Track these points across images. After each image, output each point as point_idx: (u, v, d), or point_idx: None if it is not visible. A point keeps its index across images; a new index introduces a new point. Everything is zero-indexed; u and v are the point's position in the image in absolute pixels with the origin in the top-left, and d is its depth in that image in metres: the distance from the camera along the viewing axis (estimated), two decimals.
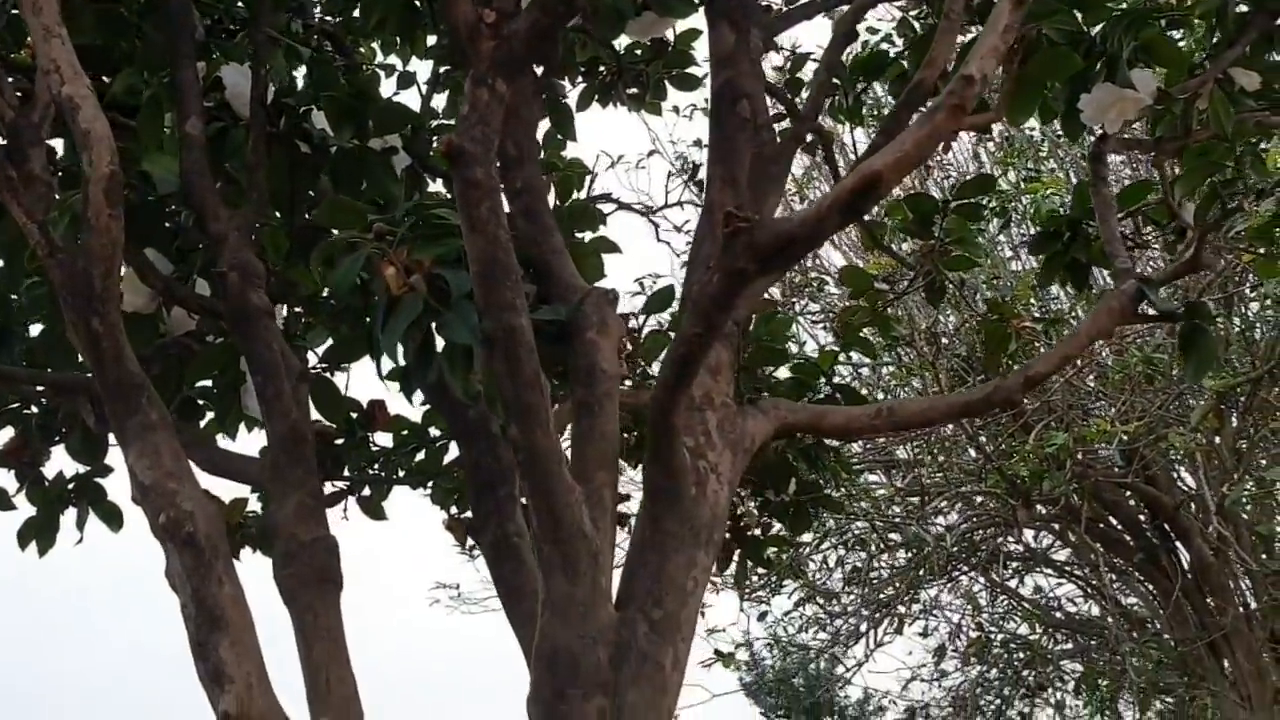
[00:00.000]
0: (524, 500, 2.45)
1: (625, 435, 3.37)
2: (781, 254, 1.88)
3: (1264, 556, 6.42)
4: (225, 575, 1.92)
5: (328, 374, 3.10)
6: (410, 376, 2.10)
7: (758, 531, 4.16)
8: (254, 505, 3.47)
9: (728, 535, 4.07)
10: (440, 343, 2.10)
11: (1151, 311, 2.59)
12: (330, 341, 3.14)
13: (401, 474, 3.75)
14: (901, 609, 7.10)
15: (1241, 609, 6.38)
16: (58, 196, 2.18)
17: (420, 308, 1.97)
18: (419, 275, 1.99)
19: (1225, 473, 6.02)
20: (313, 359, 3.24)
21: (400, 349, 2.03)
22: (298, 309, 3.25)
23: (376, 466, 3.71)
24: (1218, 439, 6.53)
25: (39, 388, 2.98)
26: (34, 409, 3.06)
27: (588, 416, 2.20)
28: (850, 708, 13.94)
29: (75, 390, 2.54)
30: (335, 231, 2.21)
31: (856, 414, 2.43)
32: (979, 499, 6.61)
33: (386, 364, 2.24)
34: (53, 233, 2.00)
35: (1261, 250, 3.55)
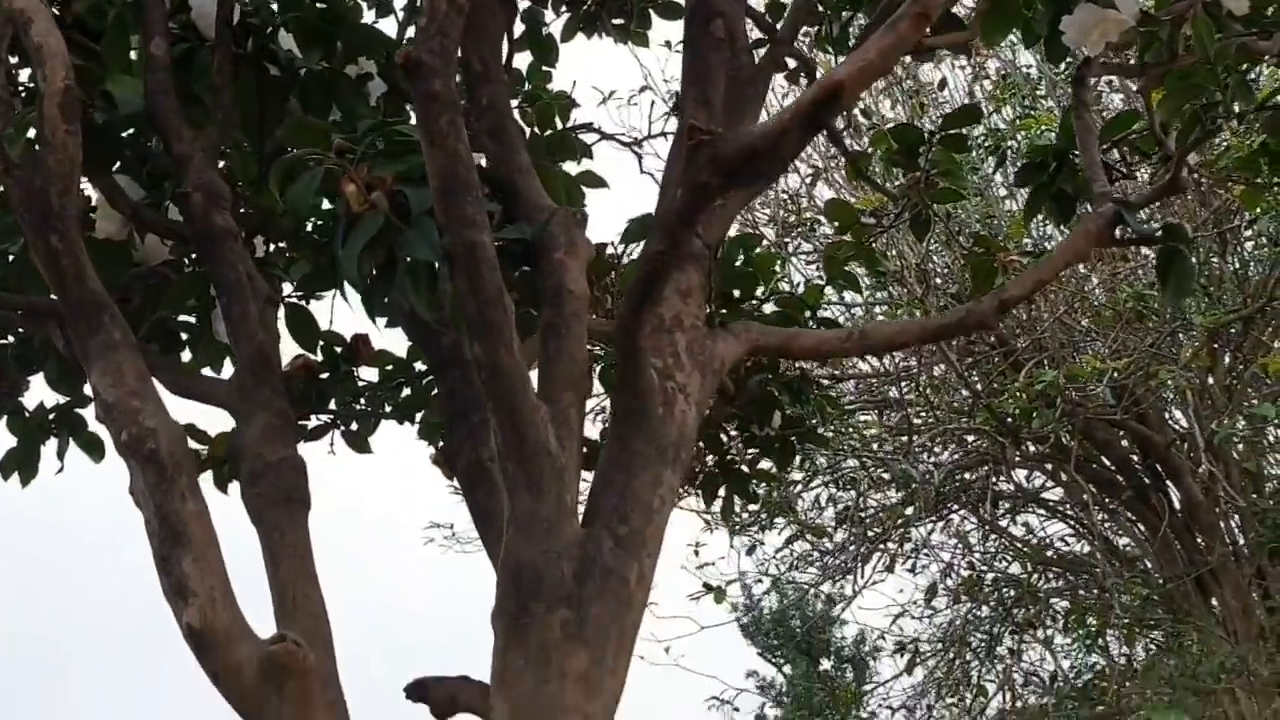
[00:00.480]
0: None
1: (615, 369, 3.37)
2: (745, 167, 1.86)
3: (1254, 496, 6.44)
4: (188, 492, 1.92)
5: (304, 302, 3.08)
6: (372, 296, 2.09)
7: (744, 467, 4.18)
8: None
9: (715, 470, 4.09)
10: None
11: (1129, 235, 2.57)
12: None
13: (387, 409, 3.76)
14: (892, 547, 7.15)
15: (1230, 547, 6.42)
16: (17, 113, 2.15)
17: (381, 224, 1.95)
18: (380, 192, 1.97)
19: (1216, 411, 6.02)
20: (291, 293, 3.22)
21: (361, 268, 2.02)
22: (281, 244, 3.24)
23: (362, 402, 3.71)
24: (1210, 380, 6.53)
25: (17, 313, 2.98)
26: (10, 339, 3.06)
27: (555, 338, 2.19)
28: (846, 647, 14.12)
29: (47, 314, 2.53)
30: None
31: (828, 336, 2.42)
32: (970, 438, 6.63)
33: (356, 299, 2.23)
34: (9, 150, 1.98)
35: (1255, 180, 3.52)
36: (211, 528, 1.93)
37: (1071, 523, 7.27)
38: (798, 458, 6.80)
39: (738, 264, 2.96)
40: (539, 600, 1.91)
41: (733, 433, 4.04)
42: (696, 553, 7.40)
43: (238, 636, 1.85)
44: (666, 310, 2.22)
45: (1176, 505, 6.70)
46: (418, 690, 2.19)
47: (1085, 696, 6.17)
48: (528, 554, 1.95)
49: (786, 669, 13.85)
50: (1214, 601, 6.46)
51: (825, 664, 13.86)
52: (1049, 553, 7.13)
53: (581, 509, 2.13)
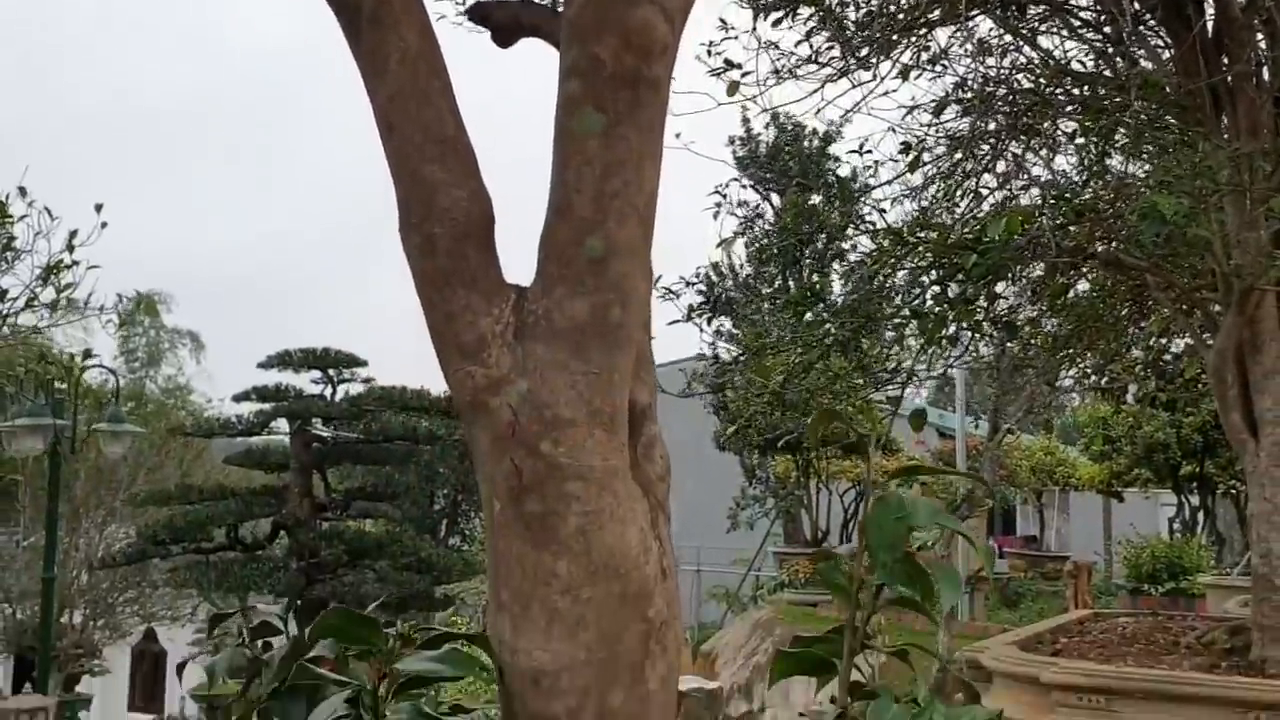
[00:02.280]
0: None
1: None
2: None
3: None
4: None
5: None
6: None
7: None
8: None
9: None
10: None
11: None
12: None
13: None
14: (908, 57, 6.97)
15: (1254, 65, 6.29)
16: None
17: None
18: None
19: None
20: None
21: None
22: None
23: None
24: None
25: None
26: None
27: None
28: (835, 182, 14.40)
29: None
30: None
31: None
32: None
33: None
34: None
35: None
36: None
37: (1097, 40, 7.05)
38: None
39: None
40: None
41: None
42: (710, 53, 7.21)
43: None
44: None
45: (1209, 28, 6.48)
46: (478, 12, 2.14)
47: (1076, 209, 6.32)
48: None
49: (775, 199, 14.18)
50: (1225, 121, 6.44)
51: (815, 199, 14.21)
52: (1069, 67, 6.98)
53: None
